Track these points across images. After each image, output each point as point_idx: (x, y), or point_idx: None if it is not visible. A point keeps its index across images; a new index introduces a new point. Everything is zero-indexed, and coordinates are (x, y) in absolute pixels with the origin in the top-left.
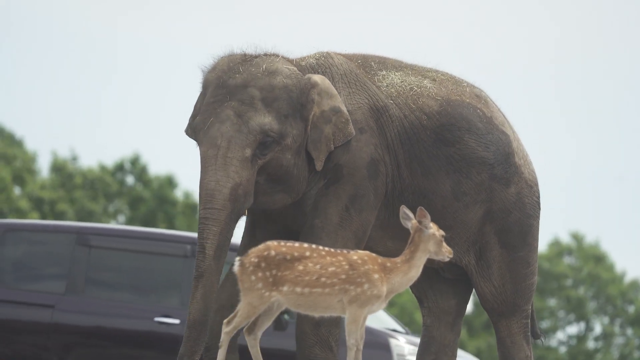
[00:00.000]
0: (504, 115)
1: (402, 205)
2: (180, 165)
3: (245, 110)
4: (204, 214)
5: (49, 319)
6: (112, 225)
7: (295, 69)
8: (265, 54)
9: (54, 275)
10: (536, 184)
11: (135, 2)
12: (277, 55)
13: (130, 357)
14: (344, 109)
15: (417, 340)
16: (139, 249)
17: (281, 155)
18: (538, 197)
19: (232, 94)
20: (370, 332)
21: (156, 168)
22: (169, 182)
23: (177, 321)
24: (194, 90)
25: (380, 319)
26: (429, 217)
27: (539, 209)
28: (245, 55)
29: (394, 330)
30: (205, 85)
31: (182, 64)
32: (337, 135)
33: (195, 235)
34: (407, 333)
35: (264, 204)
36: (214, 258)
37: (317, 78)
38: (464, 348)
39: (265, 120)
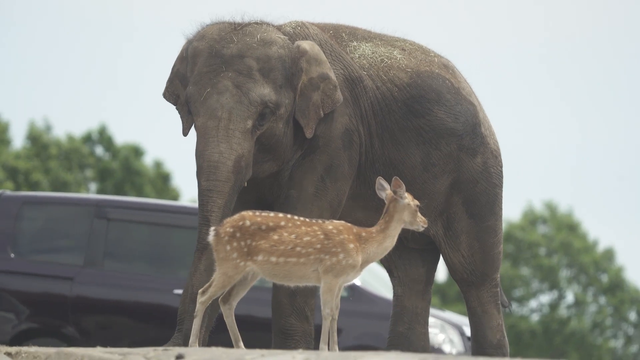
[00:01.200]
0: (470, 86)
1: (379, 177)
2: (148, 134)
3: (244, 82)
4: (208, 186)
5: (68, 292)
6: (130, 197)
7: (286, 38)
8: (256, 23)
9: (72, 248)
10: (500, 154)
11: None
12: (268, 24)
13: (148, 329)
14: (332, 75)
15: (437, 312)
16: (157, 221)
17: (275, 125)
18: (502, 167)
19: (227, 64)
20: (390, 305)
21: (123, 138)
22: (135, 152)
23: None
24: (154, 60)
25: None
26: (404, 187)
27: (503, 178)
28: (234, 23)
29: None
30: (194, 54)
31: (142, 36)
32: (326, 101)
33: None
34: None
35: (254, 173)
36: None
37: (306, 45)
38: None
39: (264, 91)
